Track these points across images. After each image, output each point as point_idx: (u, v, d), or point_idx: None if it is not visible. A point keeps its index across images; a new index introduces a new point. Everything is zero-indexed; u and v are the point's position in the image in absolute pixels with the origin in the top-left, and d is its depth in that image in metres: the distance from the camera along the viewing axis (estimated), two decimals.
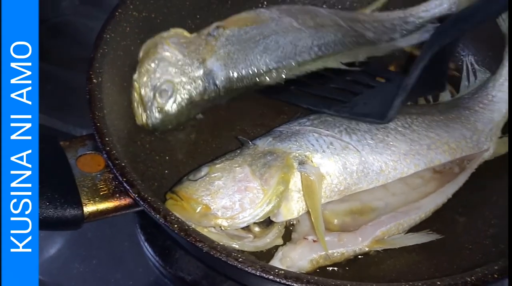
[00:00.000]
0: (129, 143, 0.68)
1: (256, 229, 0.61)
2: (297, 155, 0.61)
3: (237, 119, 0.78)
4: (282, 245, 0.61)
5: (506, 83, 0.73)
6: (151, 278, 0.73)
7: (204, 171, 0.61)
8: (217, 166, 0.61)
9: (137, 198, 0.49)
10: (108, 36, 0.68)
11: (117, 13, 0.71)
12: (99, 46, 0.65)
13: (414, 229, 0.64)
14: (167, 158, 0.72)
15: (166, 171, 0.71)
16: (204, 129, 0.76)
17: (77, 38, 1.11)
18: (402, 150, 0.63)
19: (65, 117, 0.95)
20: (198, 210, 0.56)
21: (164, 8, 0.79)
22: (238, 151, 0.64)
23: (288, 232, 0.64)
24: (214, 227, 0.57)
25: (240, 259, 0.46)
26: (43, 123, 0.93)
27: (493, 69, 0.76)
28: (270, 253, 0.62)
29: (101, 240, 0.75)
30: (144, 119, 0.70)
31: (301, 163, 0.60)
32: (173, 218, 0.49)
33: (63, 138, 0.93)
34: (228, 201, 0.56)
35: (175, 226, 0.48)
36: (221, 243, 0.57)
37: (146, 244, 0.73)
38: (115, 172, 0.51)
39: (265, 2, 0.89)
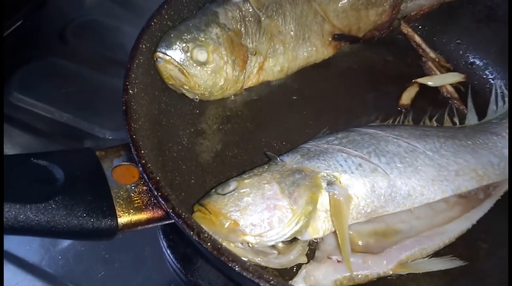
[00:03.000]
0: (159, 152, 0.69)
1: (280, 245, 0.62)
2: (325, 174, 0.62)
3: (262, 132, 0.79)
4: (306, 263, 0.62)
5: None
6: (172, 285, 0.74)
7: (232, 185, 0.61)
8: (246, 181, 0.62)
9: (171, 214, 0.50)
10: (143, 46, 0.69)
11: (152, 23, 0.72)
12: (135, 57, 0.66)
13: (438, 253, 0.65)
14: (193, 167, 0.73)
15: (193, 181, 0.72)
16: (230, 141, 0.77)
17: (102, 38, 1.13)
18: (430, 175, 0.63)
19: (91, 118, 0.97)
20: (226, 225, 0.57)
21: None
22: (266, 167, 0.65)
23: (312, 249, 0.64)
24: (241, 243, 0.58)
25: (272, 282, 0.46)
26: (68, 123, 0.96)
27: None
28: (292, 270, 0.63)
29: (123, 244, 0.76)
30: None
31: (330, 183, 0.61)
32: (206, 235, 0.49)
33: (88, 139, 0.98)
34: (256, 218, 0.57)
35: (208, 244, 0.49)
36: (246, 258, 0.59)
37: (168, 250, 0.74)
38: (150, 185, 0.52)
39: None
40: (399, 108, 0.83)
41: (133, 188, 0.54)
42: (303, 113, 0.81)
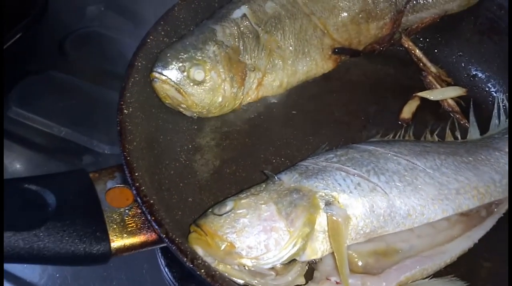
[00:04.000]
0: (156, 170, 0.68)
1: (278, 265, 0.61)
2: (323, 194, 0.61)
3: (261, 148, 0.78)
4: (304, 285, 0.61)
5: None
6: None
7: (229, 205, 0.61)
8: (243, 201, 0.61)
9: (165, 239, 0.49)
10: (139, 64, 0.68)
11: (148, 40, 0.71)
12: (130, 75, 0.66)
13: (438, 272, 0.63)
14: (191, 185, 0.72)
15: (190, 199, 0.71)
16: (228, 157, 0.76)
17: (102, 50, 1.12)
18: (431, 194, 0.62)
19: (89, 132, 0.96)
20: (222, 248, 0.56)
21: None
22: (264, 185, 0.64)
23: (310, 269, 0.63)
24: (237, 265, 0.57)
25: None
26: (67, 138, 0.95)
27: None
28: None
29: (122, 262, 0.76)
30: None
31: (328, 204, 0.60)
32: (200, 261, 0.49)
33: (87, 154, 0.97)
34: (253, 241, 0.56)
35: (202, 270, 0.48)
36: (243, 281, 0.58)
37: (166, 268, 0.74)
38: (144, 209, 0.51)
39: None
40: (400, 122, 0.82)
41: (127, 211, 0.53)
42: (303, 128, 0.80)
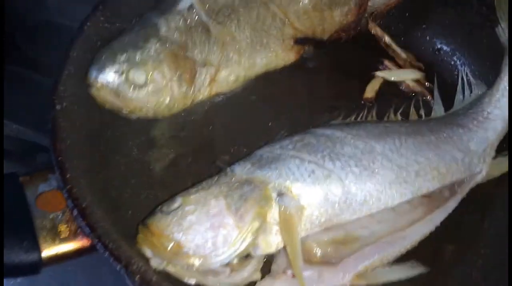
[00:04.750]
0: (102, 167, 0.64)
1: (234, 261, 0.58)
2: (276, 184, 0.58)
3: (219, 138, 0.74)
4: (260, 279, 0.58)
5: (504, 99, 0.69)
6: None
7: (177, 202, 0.57)
8: (192, 196, 0.58)
9: (97, 244, 0.46)
10: (75, 54, 0.63)
11: (85, 27, 0.66)
12: (65, 67, 0.61)
13: (400, 258, 0.61)
14: (144, 180, 0.68)
15: (142, 196, 0.67)
16: (183, 149, 0.72)
17: (59, 41, 1.06)
18: (388, 178, 0.59)
19: (44, 130, 0.92)
20: (169, 248, 0.53)
21: (139, 16, 0.74)
22: (216, 178, 0.61)
23: (268, 263, 0.61)
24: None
25: None
26: (18, 136, 0.90)
27: (490, 82, 0.72)
28: None
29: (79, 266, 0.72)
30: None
31: (280, 194, 0.57)
32: (135, 267, 0.46)
33: (41, 152, 0.92)
34: (200, 239, 0.53)
35: (137, 276, 0.45)
36: (195, 280, 0.55)
37: None
38: (75, 213, 0.47)
39: None
40: (363, 102, 0.78)
41: (59, 216, 0.50)
42: (262, 114, 0.76)
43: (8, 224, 0.47)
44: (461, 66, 0.76)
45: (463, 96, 0.74)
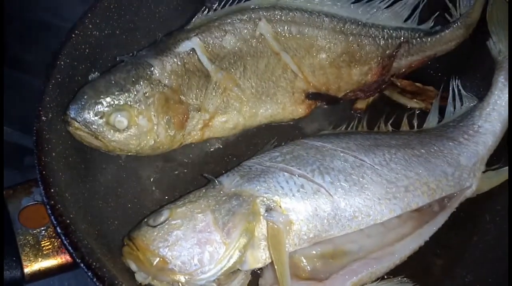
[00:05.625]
0: (87, 177, 0.63)
1: (221, 276, 0.58)
2: (264, 199, 0.57)
3: (209, 145, 0.73)
4: None
5: (494, 113, 0.69)
6: None
7: (164, 215, 0.56)
8: (179, 210, 0.57)
9: (80, 264, 0.45)
10: (62, 63, 0.62)
11: (73, 35, 0.64)
12: (51, 77, 0.59)
13: (389, 272, 0.61)
14: (131, 190, 0.68)
15: (129, 205, 0.66)
16: (172, 157, 0.71)
17: (49, 41, 1.04)
18: (377, 193, 0.59)
19: (32, 131, 0.90)
20: (154, 263, 0.52)
21: (130, 22, 0.73)
22: (204, 191, 0.60)
23: (256, 276, 0.60)
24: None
25: None
26: (6, 139, 0.88)
27: (481, 95, 0.71)
28: None
29: None
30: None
31: (268, 209, 0.56)
32: None
33: (29, 156, 0.90)
34: (186, 255, 0.53)
35: None
36: None
37: None
38: (58, 231, 0.46)
39: None
40: (352, 112, 0.77)
41: (43, 232, 0.49)
42: None
43: None
44: (452, 80, 0.75)
45: (454, 108, 0.73)
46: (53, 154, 0.54)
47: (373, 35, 0.73)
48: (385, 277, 0.60)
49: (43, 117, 0.56)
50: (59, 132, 0.58)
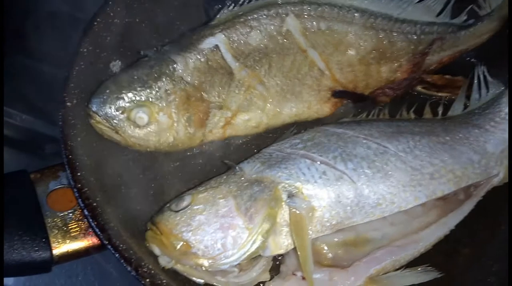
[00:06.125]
0: (111, 163, 0.63)
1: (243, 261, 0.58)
2: (286, 185, 0.57)
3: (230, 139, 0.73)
4: (269, 280, 0.58)
5: None
6: None
7: (186, 200, 0.57)
8: (200, 195, 0.57)
9: (108, 246, 0.45)
10: (85, 50, 0.63)
11: (95, 23, 0.65)
12: (75, 63, 0.60)
13: (414, 261, 0.60)
14: (152, 175, 0.68)
15: (151, 191, 0.67)
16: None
17: (66, 32, 1.05)
18: (402, 181, 0.58)
19: (51, 119, 0.91)
20: (178, 247, 0.53)
21: (150, 11, 0.73)
22: (225, 177, 0.60)
23: (277, 263, 0.60)
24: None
25: None
26: (28, 126, 0.90)
27: (508, 81, 0.69)
28: None
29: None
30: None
31: (290, 195, 0.56)
32: (145, 270, 0.45)
33: (50, 143, 0.92)
34: (209, 240, 0.53)
35: (147, 280, 0.44)
36: (202, 280, 0.55)
37: None
38: (86, 213, 0.47)
39: None
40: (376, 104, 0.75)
41: (70, 214, 0.49)
42: None
43: (20, 222, 0.47)
44: (477, 65, 0.73)
45: (480, 95, 0.71)
46: (78, 139, 0.55)
47: (404, 31, 0.70)
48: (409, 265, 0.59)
49: (68, 103, 0.56)
50: (84, 118, 0.59)
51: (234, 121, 0.67)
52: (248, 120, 0.68)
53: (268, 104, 0.67)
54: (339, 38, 0.68)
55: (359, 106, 0.72)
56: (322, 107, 0.70)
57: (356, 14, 0.68)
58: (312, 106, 0.70)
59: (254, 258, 0.58)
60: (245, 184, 0.57)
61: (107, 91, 0.60)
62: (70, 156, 0.51)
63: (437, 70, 0.74)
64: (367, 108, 0.71)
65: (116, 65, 0.69)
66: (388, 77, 0.71)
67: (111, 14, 0.67)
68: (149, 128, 0.62)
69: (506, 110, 0.67)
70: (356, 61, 0.69)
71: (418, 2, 0.72)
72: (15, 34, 1.02)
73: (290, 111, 0.69)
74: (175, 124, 0.63)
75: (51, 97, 0.92)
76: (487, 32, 0.73)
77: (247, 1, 0.67)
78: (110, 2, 0.67)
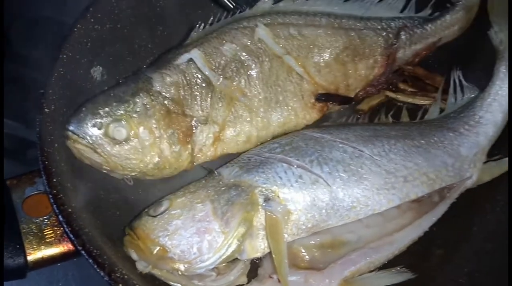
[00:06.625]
0: (89, 169, 0.63)
1: (220, 264, 0.59)
2: (263, 189, 0.58)
3: None
4: (246, 283, 0.58)
5: (495, 104, 0.68)
6: None
7: (164, 205, 0.57)
8: (179, 200, 0.58)
9: (81, 251, 0.46)
10: (65, 56, 0.63)
11: (76, 30, 0.66)
12: (54, 69, 0.61)
13: (388, 262, 0.61)
14: (132, 182, 0.69)
15: (132, 197, 0.67)
16: None
17: (49, 37, 1.05)
18: (376, 184, 0.59)
19: (34, 125, 0.91)
20: (154, 252, 0.53)
21: (131, 17, 0.74)
22: (203, 181, 0.61)
23: (255, 266, 0.61)
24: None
25: None
26: (9, 132, 0.89)
27: (483, 86, 0.71)
28: None
29: None
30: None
31: (267, 199, 0.57)
32: (118, 275, 0.46)
33: (32, 148, 0.91)
34: (186, 244, 0.53)
35: (119, 285, 0.45)
36: (180, 285, 0.56)
37: None
38: (60, 219, 0.48)
39: None
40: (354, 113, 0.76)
41: (46, 220, 0.50)
42: None
43: None
44: (453, 70, 0.75)
45: (455, 99, 0.73)
46: (56, 145, 0.55)
47: (372, 27, 0.73)
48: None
49: (46, 109, 0.57)
50: (61, 124, 0.59)
51: (223, 136, 0.66)
52: (238, 134, 0.67)
53: (255, 116, 0.67)
54: (311, 41, 0.69)
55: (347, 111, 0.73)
56: (309, 113, 0.70)
57: (322, 18, 0.71)
58: (298, 113, 0.70)
59: (232, 262, 0.59)
60: (223, 188, 0.58)
61: (83, 109, 0.60)
62: (47, 162, 0.52)
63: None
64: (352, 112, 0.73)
65: (97, 71, 0.69)
66: (367, 75, 0.73)
67: (92, 20, 0.67)
68: (129, 145, 0.60)
69: (480, 113, 0.68)
70: (332, 61, 0.70)
71: (379, 1, 0.75)
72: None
73: (278, 120, 0.69)
74: (158, 140, 0.61)
75: (34, 103, 0.93)
76: (455, 23, 0.75)
77: (216, 20, 0.69)
78: (91, 9, 0.67)
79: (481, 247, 0.62)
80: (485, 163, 0.66)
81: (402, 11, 0.76)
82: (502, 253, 0.60)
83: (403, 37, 0.73)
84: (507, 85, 0.68)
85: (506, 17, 0.70)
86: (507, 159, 0.66)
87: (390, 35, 0.73)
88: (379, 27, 0.73)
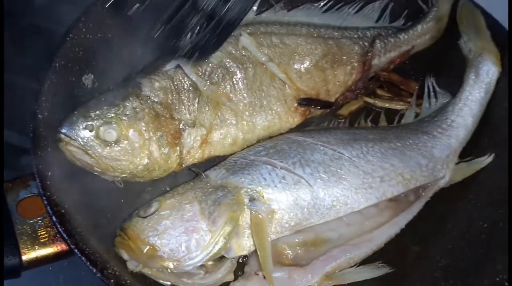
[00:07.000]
0: (81, 172, 0.66)
1: (208, 263, 0.61)
2: (248, 190, 0.61)
3: None
4: (233, 281, 0.61)
5: (466, 108, 0.73)
6: None
7: (154, 206, 0.60)
8: (168, 201, 0.60)
9: (74, 250, 0.48)
10: (57, 65, 0.65)
11: (68, 38, 0.68)
12: (47, 77, 0.63)
13: (367, 259, 0.64)
14: (123, 184, 0.71)
15: (122, 200, 0.69)
16: None
17: (41, 45, 1.07)
18: (354, 184, 0.63)
19: (26, 131, 0.92)
20: (144, 251, 0.56)
21: (122, 26, 0.76)
22: (191, 183, 0.64)
23: (241, 264, 0.64)
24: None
25: None
26: (3, 139, 0.90)
27: (455, 92, 0.76)
28: None
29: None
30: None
31: (252, 199, 0.60)
32: (110, 271, 0.48)
33: (25, 155, 0.93)
34: (174, 243, 0.56)
35: (112, 280, 0.47)
36: (169, 282, 0.58)
37: None
38: (54, 220, 0.50)
39: None
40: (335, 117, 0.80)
41: (39, 222, 0.52)
42: None
43: None
44: (427, 77, 0.79)
45: (429, 104, 0.77)
46: (49, 149, 0.57)
47: (349, 36, 0.78)
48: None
49: (39, 116, 0.59)
50: (54, 129, 0.61)
51: (211, 139, 0.69)
52: (224, 137, 0.70)
53: (240, 119, 0.70)
54: (292, 49, 0.74)
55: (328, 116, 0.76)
56: (292, 117, 0.74)
57: (302, 28, 0.76)
58: (282, 117, 0.73)
59: (219, 260, 0.61)
60: (210, 189, 0.61)
61: (75, 113, 0.62)
62: (40, 165, 0.54)
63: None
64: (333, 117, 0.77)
65: (88, 79, 0.72)
66: (345, 81, 0.78)
67: (84, 29, 0.70)
68: (120, 146, 0.62)
69: (452, 117, 0.73)
70: (312, 68, 0.75)
71: (355, 12, 0.80)
72: None
73: (262, 124, 0.72)
74: (147, 142, 0.64)
75: (27, 110, 0.94)
76: (427, 32, 0.80)
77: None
78: (83, 18, 0.70)
79: (454, 243, 0.66)
80: (457, 164, 0.71)
81: (377, 21, 0.81)
82: (473, 248, 0.64)
83: (378, 45, 0.78)
84: (476, 91, 0.73)
85: (474, 28, 0.75)
86: (477, 160, 0.70)
87: (366, 44, 0.78)
88: (355, 36, 0.78)
